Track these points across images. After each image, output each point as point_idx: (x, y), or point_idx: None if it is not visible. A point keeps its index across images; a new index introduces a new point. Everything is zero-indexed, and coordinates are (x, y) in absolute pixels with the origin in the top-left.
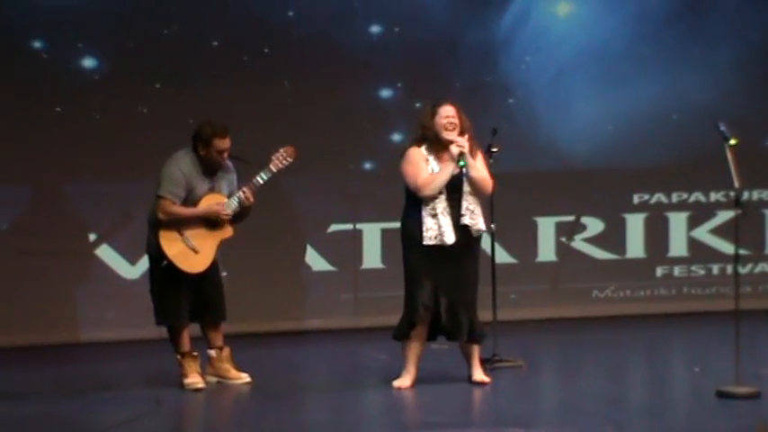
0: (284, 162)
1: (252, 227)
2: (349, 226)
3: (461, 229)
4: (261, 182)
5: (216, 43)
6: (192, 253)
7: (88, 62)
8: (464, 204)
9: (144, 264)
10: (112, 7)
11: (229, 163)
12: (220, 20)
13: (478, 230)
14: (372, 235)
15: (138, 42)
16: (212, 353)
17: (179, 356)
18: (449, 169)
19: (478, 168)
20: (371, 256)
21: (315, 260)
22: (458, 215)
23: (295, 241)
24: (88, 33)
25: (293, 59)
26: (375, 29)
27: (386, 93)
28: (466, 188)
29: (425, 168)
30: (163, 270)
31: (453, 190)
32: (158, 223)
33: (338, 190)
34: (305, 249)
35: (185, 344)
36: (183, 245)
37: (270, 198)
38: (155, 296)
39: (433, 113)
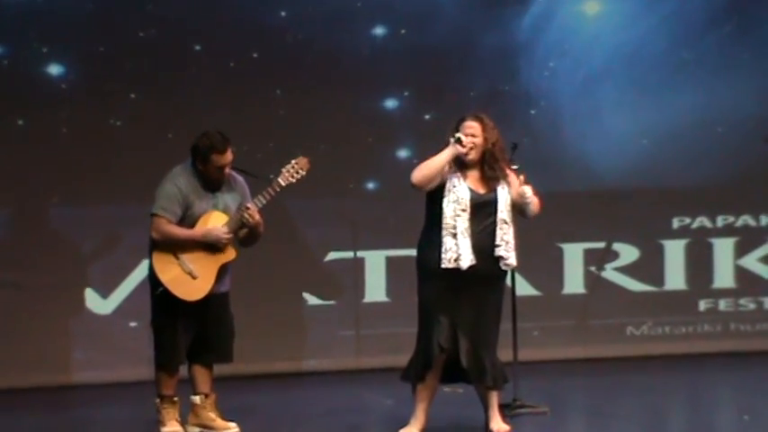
0: (295, 175)
1: (239, 256)
2: (349, 254)
3: (489, 260)
4: (267, 198)
5: (198, 48)
6: (189, 278)
7: (54, 69)
8: (499, 234)
9: (117, 297)
10: (82, 7)
11: (237, 176)
12: (204, 21)
13: (510, 266)
14: (376, 264)
15: (111, 47)
16: (196, 399)
17: (158, 400)
18: (447, 151)
19: (529, 197)
20: (375, 288)
21: (311, 293)
22: (489, 243)
23: (288, 272)
24: (54, 36)
25: (286, 66)
26: (379, 31)
27: (391, 103)
28: (500, 215)
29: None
30: (159, 299)
31: (480, 211)
32: (152, 245)
33: (337, 213)
34: (300, 281)
35: (169, 387)
36: (179, 269)
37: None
38: (153, 330)
39: (456, 129)
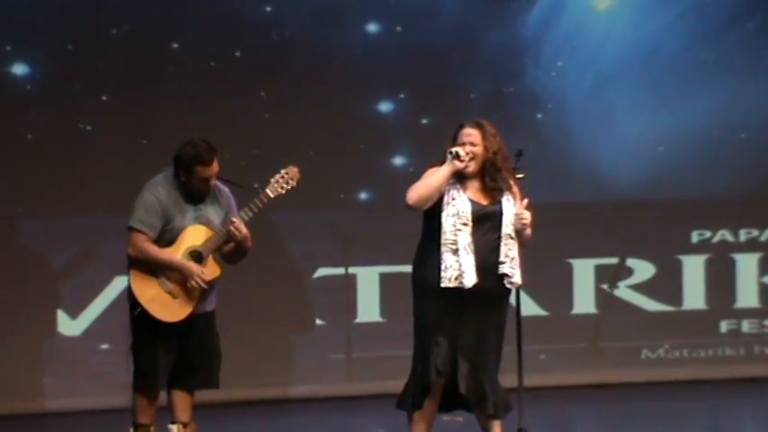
0: (285, 186)
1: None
2: (340, 270)
3: (492, 278)
4: (254, 211)
5: (176, 46)
6: (169, 298)
7: (19, 69)
8: (504, 249)
9: (87, 317)
10: (49, 1)
11: (223, 187)
12: (182, 17)
13: (515, 284)
14: (368, 281)
15: (81, 45)
16: (174, 429)
17: (132, 429)
18: (445, 167)
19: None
20: (367, 308)
21: (298, 313)
22: (492, 259)
23: (274, 290)
24: (19, 34)
25: (271, 65)
26: (372, 28)
27: (385, 106)
28: (506, 229)
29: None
30: (138, 320)
31: (482, 224)
32: (130, 261)
33: (326, 226)
34: (286, 300)
35: (147, 414)
36: (158, 288)
37: None
38: (132, 352)
39: (455, 137)
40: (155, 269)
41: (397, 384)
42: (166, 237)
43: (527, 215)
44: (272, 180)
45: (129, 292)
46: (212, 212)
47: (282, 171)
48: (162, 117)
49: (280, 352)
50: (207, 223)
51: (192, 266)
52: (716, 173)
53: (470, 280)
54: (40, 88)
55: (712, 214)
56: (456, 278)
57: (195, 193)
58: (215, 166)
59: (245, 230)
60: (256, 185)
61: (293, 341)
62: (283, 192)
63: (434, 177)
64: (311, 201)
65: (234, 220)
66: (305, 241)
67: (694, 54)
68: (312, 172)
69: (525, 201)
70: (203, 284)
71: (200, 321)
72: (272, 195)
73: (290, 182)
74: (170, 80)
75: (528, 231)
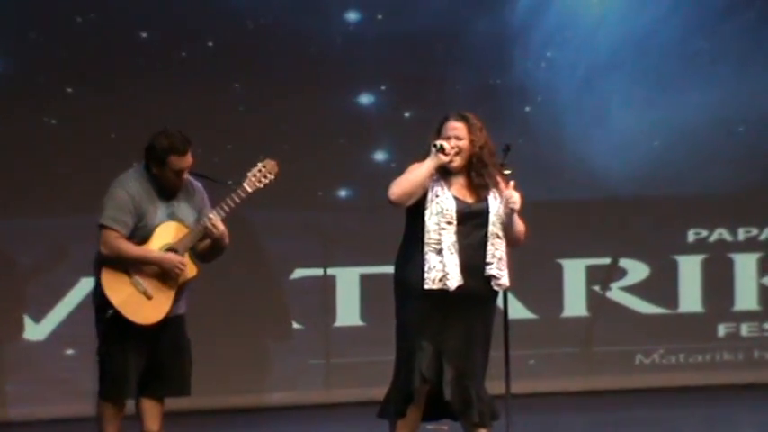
0: (263, 180)
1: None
2: (318, 271)
3: (479, 279)
4: (231, 207)
5: (145, 35)
6: (143, 299)
7: None
8: (490, 249)
9: (51, 321)
10: None
11: (195, 182)
12: (151, 5)
13: (502, 286)
14: (348, 282)
15: (45, 34)
16: None
17: None
18: (429, 161)
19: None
20: (347, 311)
21: (274, 316)
22: (478, 260)
23: (248, 292)
24: None
25: (246, 56)
26: (352, 16)
27: (366, 99)
28: (492, 228)
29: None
30: (106, 323)
31: (467, 223)
32: (101, 261)
33: (304, 225)
34: (262, 302)
35: (114, 424)
36: (132, 289)
37: None
38: (99, 359)
39: (439, 132)
40: (127, 268)
41: (379, 391)
42: (139, 234)
43: (516, 196)
44: (250, 174)
45: (97, 293)
46: (185, 209)
47: (260, 164)
48: (130, 110)
49: (255, 357)
50: (180, 220)
51: (171, 256)
52: (713, 168)
53: (455, 281)
54: (1, 80)
55: (709, 212)
56: (440, 279)
57: (168, 188)
58: (189, 158)
59: (222, 227)
60: (230, 182)
61: (269, 346)
62: (261, 186)
63: (418, 171)
64: (288, 198)
65: (210, 216)
66: (281, 241)
67: (691, 44)
68: (289, 168)
69: (512, 182)
70: (186, 271)
71: (172, 325)
72: (249, 190)
73: (269, 175)
74: (139, 71)
75: (521, 227)
